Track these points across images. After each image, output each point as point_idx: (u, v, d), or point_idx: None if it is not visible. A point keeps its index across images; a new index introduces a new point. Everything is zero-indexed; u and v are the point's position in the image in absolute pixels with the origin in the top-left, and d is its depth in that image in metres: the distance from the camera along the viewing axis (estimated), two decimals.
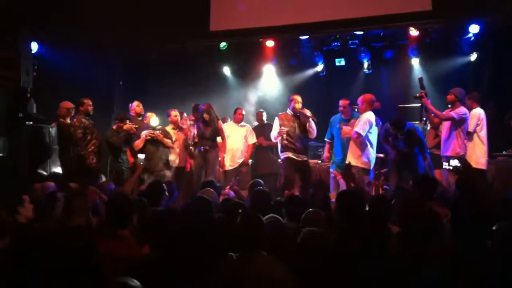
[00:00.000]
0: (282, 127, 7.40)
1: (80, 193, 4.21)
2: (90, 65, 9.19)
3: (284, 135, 7.37)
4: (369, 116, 7.18)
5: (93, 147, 7.66)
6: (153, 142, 7.95)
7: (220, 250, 3.41)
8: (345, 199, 4.23)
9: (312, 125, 7.46)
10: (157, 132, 7.94)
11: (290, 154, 7.44)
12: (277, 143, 7.69)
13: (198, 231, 3.51)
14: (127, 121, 7.95)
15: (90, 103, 7.81)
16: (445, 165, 6.92)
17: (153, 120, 8.05)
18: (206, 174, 8.10)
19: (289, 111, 7.60)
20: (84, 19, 8.82)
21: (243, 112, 8.95)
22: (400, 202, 4.19)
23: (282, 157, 7.61)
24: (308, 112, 7.39)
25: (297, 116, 7.51)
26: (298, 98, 7.56)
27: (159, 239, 3.45)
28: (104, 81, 9.84)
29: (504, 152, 8.19)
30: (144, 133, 7.89)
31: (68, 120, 7.75)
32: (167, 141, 8.07)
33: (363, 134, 7.06)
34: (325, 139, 8.08)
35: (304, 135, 7.53)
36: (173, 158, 8.44)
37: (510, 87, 8.51)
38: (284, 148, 7.48)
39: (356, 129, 7.09)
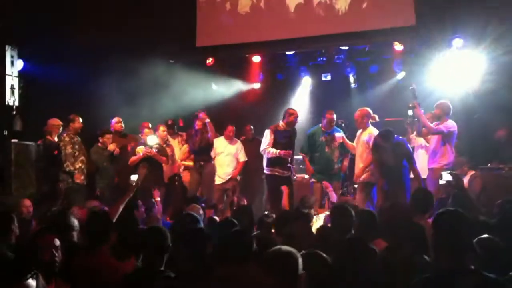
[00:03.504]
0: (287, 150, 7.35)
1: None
2: (77, 82, 9.15)
3: (278, 151, 7.32)
4: (373, 131, 7.29)
5: (80, 164, 7.61)
6: (148, 161, 7.82)
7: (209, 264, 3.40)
8: (337, 213, 4.40)
9: None
10: (154, 150, 7.80)
11: (276, 171, 7.41)
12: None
13: (184, 247, 3.49)
14: (107, 136, 7.88)
15: (80, 120, 7.77)
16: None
17: (150, 138, 7.89)
18: (202, 189, 8.08)
19: (281, 124, 7.55)
20: (69, 37, 8.82)
21: (234, 129, 8.80)
22: (387, 217, 4.23)
23: (267, 172, 7.57)
24: None
25: (289, 131, 7.51)
26: (296, 112, 7.58)
27: (145, 255, 3.46)
28: (91, 97, 9.80)
29: (489, 164, 8.25)
30: (141, 151, 7.76)
31: (55, 137, 7.69)
32: (164, 159, 7.94)
33: None
34: (302, 153, 8.00)
35: (293, 151, 7.58)
36: None
37: (494, 100, 8.57)
38: (272, 164, 7.44)
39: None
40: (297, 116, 7.54)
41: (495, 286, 2.55)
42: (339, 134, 7.70)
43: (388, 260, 3.30)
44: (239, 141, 8.84)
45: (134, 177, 7.27)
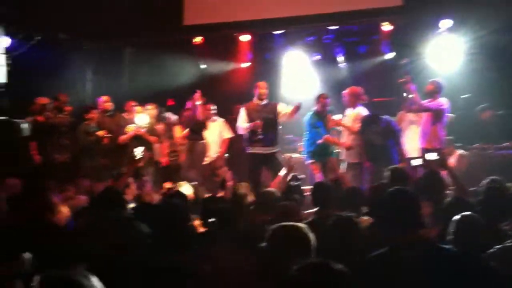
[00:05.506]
0: (255, 121, 7.21)
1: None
2: (64, 60, 9.08)
3: (247, 125, 7.23)
4: (362, 112, 7.30)
5: (67, 141, 7.59)
6: (138, 139, 7.77)
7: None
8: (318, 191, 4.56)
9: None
10: (143, 130, 7.80)
11: (256, 149, 7.33)
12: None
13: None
14: (93, 112, 7.84)
15: (67, 98, 7.74)
16: (416, 160, 6.96)
17: (139, 118, 7.87)
18: (193, 166, 8.08)
19: (255, 100, 7.48)
20: (57, 13, 8.72)
21: (212, 107, 8.57)
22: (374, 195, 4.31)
23: (247, 151, 7.48)
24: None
25: (265, 104, 7.44)
26: (263, 84, 7.47)
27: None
28: (77, 75, 9.74)
29: (475, 145, 8.33)
30: (131, 130, 7.76)
31: (43, 116, 7.64)
32: (154, 139, 7.92)
33: None
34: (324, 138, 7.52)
35: (274, 125, 7.42)
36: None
37: (479, 81, 8.64)
38: (251, 142, 7.35)
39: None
40: (262, 87, 7.40)
41: (448, 258, 2.63)
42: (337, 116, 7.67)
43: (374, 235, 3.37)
44: (221, 119, 8.61)
45: (139, 150, 7.21)
